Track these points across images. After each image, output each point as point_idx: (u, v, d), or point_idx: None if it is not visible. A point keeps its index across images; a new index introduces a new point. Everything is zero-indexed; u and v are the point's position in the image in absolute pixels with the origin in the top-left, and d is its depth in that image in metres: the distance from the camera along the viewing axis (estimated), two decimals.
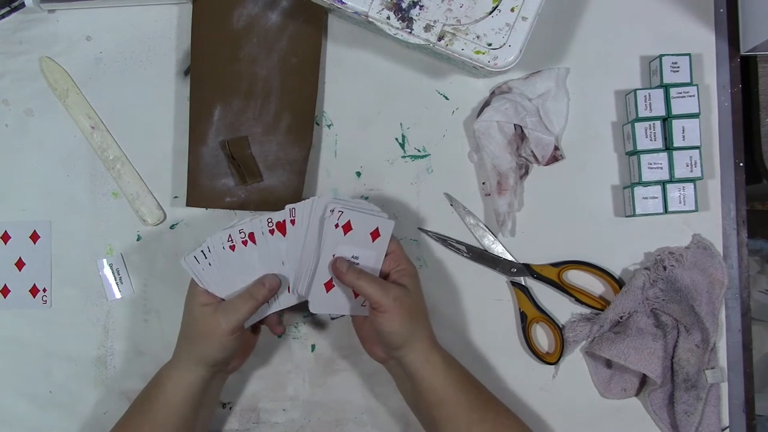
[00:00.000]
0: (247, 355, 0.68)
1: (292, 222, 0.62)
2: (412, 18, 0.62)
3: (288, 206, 0.62)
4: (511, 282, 0.71)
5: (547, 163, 0.70)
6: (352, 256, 0.62)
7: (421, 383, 0.60)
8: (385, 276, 0.63)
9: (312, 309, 0.62)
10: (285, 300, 0.64)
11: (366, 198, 0.72)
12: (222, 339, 0.59)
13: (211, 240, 0.62)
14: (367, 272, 0.60)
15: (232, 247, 0.62)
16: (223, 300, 0.61)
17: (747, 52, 0.70)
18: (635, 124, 0.68)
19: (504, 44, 0.62)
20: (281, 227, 0.62)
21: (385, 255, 0.63)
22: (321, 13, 0.71)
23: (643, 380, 0.70)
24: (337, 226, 0.61)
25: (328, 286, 0.62)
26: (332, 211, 0.60)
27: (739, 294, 0.70)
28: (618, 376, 0.69)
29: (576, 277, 0.71)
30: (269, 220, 0.62)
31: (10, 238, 0.74)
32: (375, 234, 0.62)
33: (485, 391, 0.63)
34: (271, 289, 0.61)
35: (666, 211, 0.68)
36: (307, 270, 0.62)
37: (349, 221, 0.61)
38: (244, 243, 0.62)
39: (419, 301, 0.62)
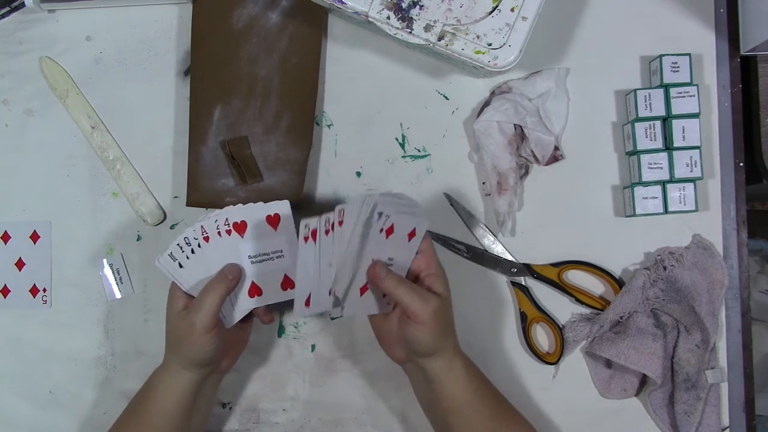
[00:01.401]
0: (238, 354, 0.67)
1: (340, 223, 0.58)
2: (412, 18, 0.62)
3: (338, 207, 0.58)
4: (511, 282, 0.71)
5: (547, 163, 0.70)
6: (388, 258, 0.59)
7: (441, 389, 0.59)
8: (415, 276, 0.61)
9: (345, 314, 0.59)
10: (324, 303, 0.59)
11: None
12: (200, 339, 0.58)
13: (182, 235, 0.61)
14: (405, 280, 0.58)
15: (206, 239, 0.61)
16: None
17: (747, 52, 0.70)
18: (635, 124, 0.68)
19: (504, 44, 0.62)
20: (274, 223, 0.62)
21: (416, 253, 0.60)
22: (321, 13, 0.71)
23: (643, 380, 0.70)
24: (381, 230, 0.57)
25: (363, 290, 0.59)
26: (380, 215, 0.56)
27: (739, 294, 0.70)
28: (618, 376, 0.69)
29: (576, 277, 0.71)
30: (327, 220, 0.59)
31: (10, 238, 0.74)
32: (412, 234, 0.59)
33: (503, 401, 0.62)
34: (233, 279, 0.60)
35: (666, 211, 0.68)
36: (345, 274, 0.58)
37: (392, 225, 0.57)
38: (225, 233, 0.62)
39: (451, 310, 0.60)
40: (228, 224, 0.62)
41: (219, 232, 0.62)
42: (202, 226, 0.62)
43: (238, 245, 0.63)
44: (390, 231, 0.58)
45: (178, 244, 0.62)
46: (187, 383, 0.60)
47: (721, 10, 0.71)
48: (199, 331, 0.58)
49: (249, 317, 0.66)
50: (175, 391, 0.60)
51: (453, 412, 0.59)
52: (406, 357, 0.62)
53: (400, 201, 0.60)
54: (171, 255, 0.61)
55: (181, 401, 0.61)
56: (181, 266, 0.61)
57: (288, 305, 0.65)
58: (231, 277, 0.61)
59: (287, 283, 0.65)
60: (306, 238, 0.59)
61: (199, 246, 0.62)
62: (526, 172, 0.71)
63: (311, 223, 0.59)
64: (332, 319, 0.72)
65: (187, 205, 0.71)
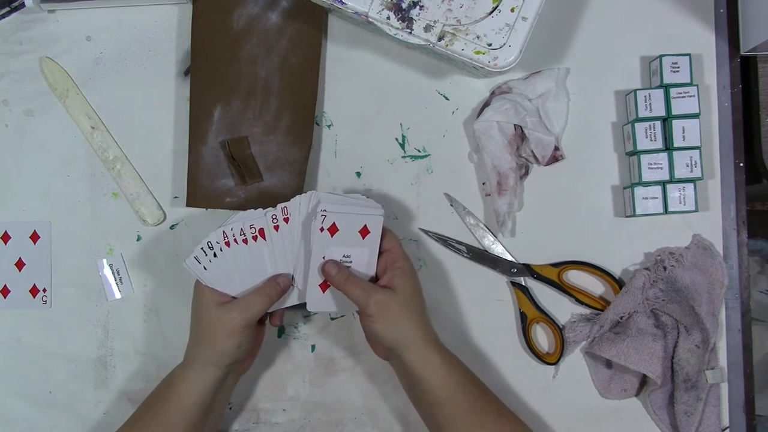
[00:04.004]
0: (256, 355, 0.68)
1: (286, 220, 0.62)
2: (412, 18, 0.62)
3: (280, 205, 0.62)
4: (511, 282, 0.71)
5: (547, 163, 0.70)
6: (344, 256, 0.61)
7: (420, 383, 0.60)
8: (381, 274, 0.63)
9: (309, 308, 0.62)
10: (292, 298, 0.64)
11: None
12: (239, 335, 0.59)
13: (212, 236, 0.61)
14: (354, 275, 0.60)
15: (231, 243, 0.61)
16: (234, 298, 0.62)
17: (747, 52, 0.70)
18: (635, 124, 0.68)
19: (504, 44, 0.62)
20: (262, 232, 0.62)
21: (382, 252, 0.62)
22: (321, 13, 0.71)
23: (643, 380, 0.70)
24: (322, 229, 0.60)
25: (323, 287, 0.62)
26: (315, 215, 0.60)
27: (739, 294, 0.70)
28: (618, 376, 0.69)
29: (576, 277, 0.71)
30: (273, 216, 0.62)
31: (10, 238, 0.74)
32: (364, 231, 0.61)
33: (487, 392, 0.63)
34: (284, 288, 0.62)
35: (666, 211, 0.68)
36: (302, 271, 0.63)
37: (334, 223, 0.60)
38: (255, 238, 0.62)
39: (412, 302, 0.61)
40: (276, 219, 0.62)
41: (255, 237, 0.62)
42: (252, 225, 0.62)
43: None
44: (334, 229, 0.60)
45: (208, 243, 0.61)
46: (210, 381, 0.61)
47: (721, 10, 0.71)
48: (241, 327, 0.59)
49: (263, 319, 0.66)
50: (198, 389, 0.61)
51: (436, 406, 0.60)
52: (386, 352, 0.63)
53: (346, 199, 0.62)
54: (203, 251, 0.61)
55: (201, 399, 0.61)
56: (211, 262, 0.61)
57: (293, 307, 0.65)
58: (283, 286, 0.62)
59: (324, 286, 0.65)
60: (255, 237, 0.61)
61: (231, 244, 0.62)
62: (526, 173, 0.71)
63: (257, 222, 0.61)
64: (332, 319, 0.72)
65: (187, 205, 0.71)
